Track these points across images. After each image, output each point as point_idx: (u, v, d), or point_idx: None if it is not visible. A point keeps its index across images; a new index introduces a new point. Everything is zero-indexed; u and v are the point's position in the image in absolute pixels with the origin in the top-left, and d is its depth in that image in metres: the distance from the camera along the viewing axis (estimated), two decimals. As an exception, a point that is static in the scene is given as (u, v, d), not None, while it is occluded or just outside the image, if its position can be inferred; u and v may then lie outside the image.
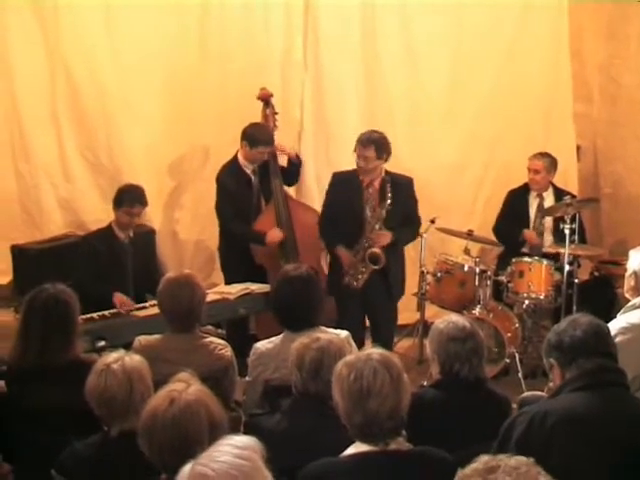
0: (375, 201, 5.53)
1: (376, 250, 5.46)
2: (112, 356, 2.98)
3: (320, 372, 3.10)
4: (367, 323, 5.81)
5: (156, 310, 4.34)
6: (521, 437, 2.70)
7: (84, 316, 4.53)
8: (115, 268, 5.51)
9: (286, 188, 6.21)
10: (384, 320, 5.74)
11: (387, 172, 5.59)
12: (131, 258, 5.60)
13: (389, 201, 5.41)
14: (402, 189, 5.55)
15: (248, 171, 5.98)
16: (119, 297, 5.30)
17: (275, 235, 5.88)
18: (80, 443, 2.93)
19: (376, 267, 5.48)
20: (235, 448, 1.97)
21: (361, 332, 5.62)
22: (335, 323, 5.19)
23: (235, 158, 5.99)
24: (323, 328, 3.90)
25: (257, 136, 5.86)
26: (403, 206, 5.57)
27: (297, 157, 6.26)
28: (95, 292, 5.16)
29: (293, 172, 6.26)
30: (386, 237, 5.51)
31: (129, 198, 5.56)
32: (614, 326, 3.52)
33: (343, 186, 5.64)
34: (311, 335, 3.26)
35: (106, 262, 5.50)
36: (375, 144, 5.48)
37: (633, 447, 2.64)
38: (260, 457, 2.00)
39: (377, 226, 5.50)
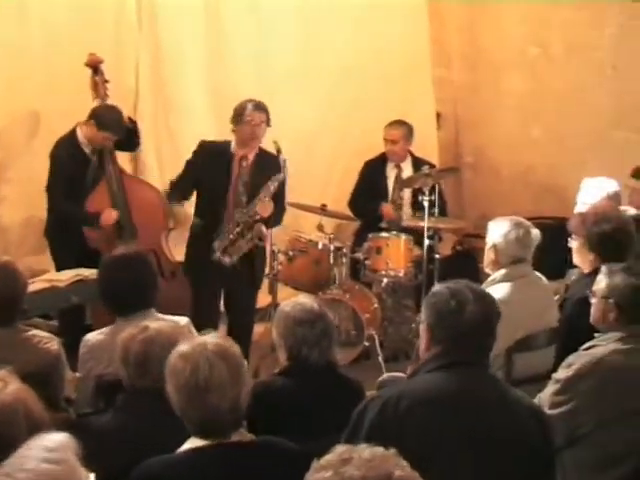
0: (247, 176, 5.62)
1: (262, 227, 5.55)
2: None
3: (147, 366, 3.07)
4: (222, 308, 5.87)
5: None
6: (374, 423, 2.74)
7: None
8: None
9: (120, 163, 6.11)
10: (245, 307, 5.81)
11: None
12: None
13: (279, 177, 5.55)
14: (272, 166, 5.61)
15: (87, 150, 5.86)
16: None
17: (110, 216, 5.80)
18: None
19: (261, 244, 5.56)
20: (45, 451, 1.93)
21: (216, 318, 5.68)
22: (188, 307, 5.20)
23: (73, 134, 5.86)
24: (158, 315, 3.87)
25: (108, 122, 5.77)
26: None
27: (130, 120, 6.14)
28: None
29: (130, 137, 6.14)
30: (270, 207, 5.56)
31: None
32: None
33: (210, 157, 5.67)
34: (139, 325, 3.23)
35: None
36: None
37: (485, 431, 2.74)
38: (75, 456, 1.97)
39: (264, 195, 5.53)
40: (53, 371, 3.78)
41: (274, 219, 5.75)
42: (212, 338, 2.69)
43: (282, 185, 5.72)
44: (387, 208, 6.61)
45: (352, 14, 7.07)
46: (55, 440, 1.99)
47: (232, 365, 2.61)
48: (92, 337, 3.92)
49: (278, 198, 5.72)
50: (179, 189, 5.76)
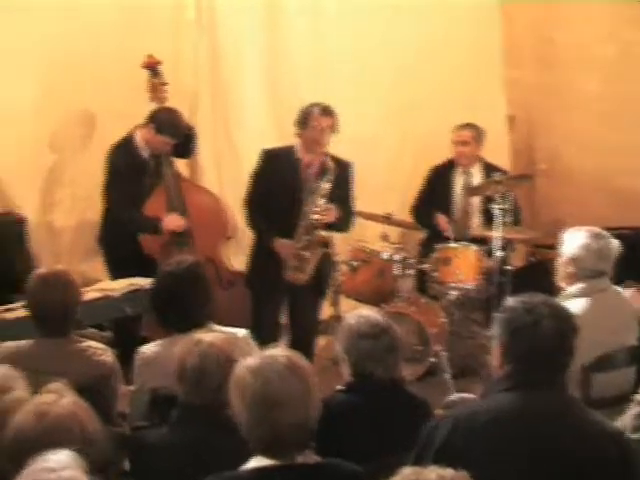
0: (315, 183, 5.62)
1: (323, 233, 5.56)
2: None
3: (203, 381, 3.11)
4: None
5: (25, 312, 4.26)
6: (444, 443, 2.73)
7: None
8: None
9: (178, 167, 6.17)
10: (309, 320, 5.85)
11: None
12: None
13: (330, 177, 5.50)
14: (341, 171, 5.63)
15: (145, 155, 5.92)
16: None
17: (174, 221, 5.83)
18: None
19: (325, 250, 5.56)
20: (51, 472, 1.96)
21: (277, 330, 5.74)
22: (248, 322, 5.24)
23: (130, 138, 5.92)
24: (216, 326, 3.90)
25: (168, 125, 5.83)
26: (341, 190, 5.65)
27: (188, 126, 6.19)
28: None
29: (186, 144, 6.18)
30: (333, 212, 5.57)
31: None
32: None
33: (276, 164, 5.68)
34: (193, 337, 3.26)
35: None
36: None
37: (559, 456, 2.70)
38: (83, 472, 2.00)
39: (322, 201, 5.53)
40: (107, 384, 3.84)
41: (342, 224, 5.75)
42: (281, 351, 2.68)
43: (347, 188, 5.71)
44: (441, 219, 6.55)
45: (417, 13, 7.05)
46: (60, 460, 2.02)
47: (304, 380, 2.60)
48: (147, 349, 3.95)
49: (344, 202, 5.71)
50: (260, 206, 5.73)
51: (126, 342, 5.25)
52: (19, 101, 6.63)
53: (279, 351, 2.69)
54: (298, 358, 2.67)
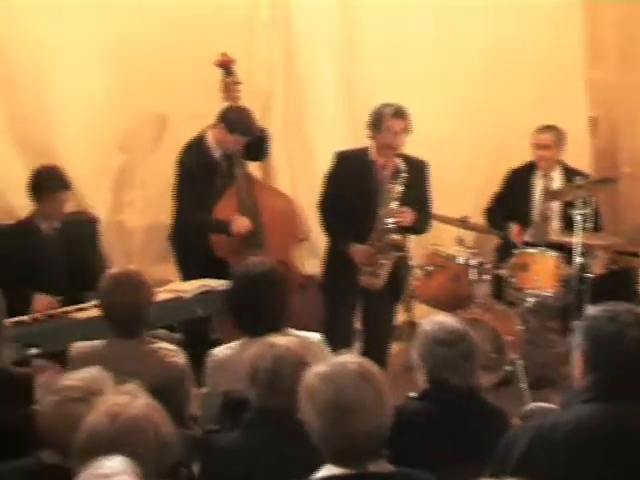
0: (390, 185, 5.60)
1: (398, 237, 5.54)
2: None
3: (276, 385, 3.12)
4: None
5: (97, 312, 4.33)
6: (523, 455, 2.71)
7: (12, 319, 4.51)
8: (38, 265, 5.46)
9: (251, 168, 6.21)
10: (384, 326, 5.84)
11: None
12: (60, 252, 5.56)
13: (404, 175, 5.48)
14: (416, 172, 5.61)
15: (216, 155, 5.97)
16: (41, 300, 5.26)
17: (242, 223, 5.87)
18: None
19: (400, 254, 5.55)
20: (105, 478, 1.98)
21: (350, 336, 5.74)
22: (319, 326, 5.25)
23: (202, 138, 5.97)
24: (290, 330, 3.92)
25: (238, 124, 5.87)
26: (417, 191, 5.64)
27: (260, 128, 6.23)
28: (13, 294, 5.11)
29: (259, 145, 6.23)
30: (408, 214, 5.56)
31: (50, 185, 5.48)
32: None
33: (350, 167, 5.68)
34: (267, 340, 3.28)
35: (27, 259, 5.44)
36: None
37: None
38: (136, 478, 2.01)
39: (395, 204, 5.53)
40: (180, 386, 3.89)
41: (418, 227, 5.74)
42: (352, 358, 2.68)
43: (423, 189, 5.69)
44: (516, 229, 6.49)
45: (495, 12, 7.00)
46: (113, 467, 2.04)
47: (376, 387, 2.60)
48: (219, 352, 3.98)
49: (421, 203, 5.70)
50: (335, 210, 5.74)
51: (196, 344, 5.30)
52: (92, 101, 6.74)
53: (349, 358, 2.69)
54: (369, 365, 2.67)
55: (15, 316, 4.95)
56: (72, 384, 2.91)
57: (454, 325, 3.44)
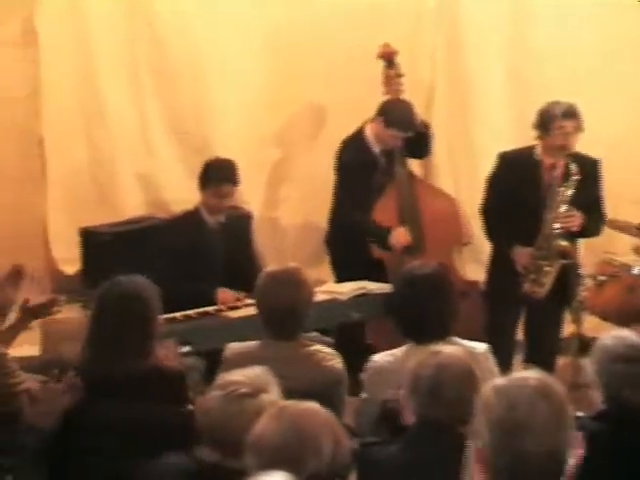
0: (559, 186, 5.50)
1: (565, 243, 5.45)
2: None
3: (439, 394, 3.10)
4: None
5: (252, 311, 4.38)
6: None
7: (165, 316, 4.60)
8: (202, 259, 5.56)
9: (412, 166, 6.19)
10: (550, 338, 5.76)
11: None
12: (222, 248, 5.66)
13: (576, 177, 5.38)
14: (587, 171, 5.50)
15: (375, 150, 5.98)
16: (224, 293, 5.37)
17: (401, 237, 5.86)
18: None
19: (566, 262, 5.47)
20: None
21: (512, 348, 5.69)
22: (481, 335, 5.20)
23: (361, 132, 6.00)
24: (456, 339, 3.89)
25: (397, 118, 5.87)
26: (588, 192, 5.53)
27: (423, 123, 6.18)
28: (182, 288, 5.23)
29: (421, 142, 6.18)
30: (577, 218, 5.46)
31: (216, 176, 5.60)
32: None
33: (515, 168, 5.61)
34: (430, 348, 3.27)
35: (192, 252, 5.55)
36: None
37: None
38: None
39: (564, 208, 5.44)
40: (336, 391, 3.91)
41: (588, 231, 5.63)
42: (534, 373, 2.63)
43: (595, 188, 5.57)
44: None
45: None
46: None
47: (555, 407, 2.53)
48: (380, 358, 3.97)
49: (593, 204, 5.58)
50: (498, 213, 5.67)
51: (349, 349, 5.31)
52: (249, 94, 6.86)
53: (532, 373, 2.62)
54: (552, 381, 2.59)
55: (178, 309, 5.09)
56: (238, 379, 2.91)
57: (636, 340, 3.34)
